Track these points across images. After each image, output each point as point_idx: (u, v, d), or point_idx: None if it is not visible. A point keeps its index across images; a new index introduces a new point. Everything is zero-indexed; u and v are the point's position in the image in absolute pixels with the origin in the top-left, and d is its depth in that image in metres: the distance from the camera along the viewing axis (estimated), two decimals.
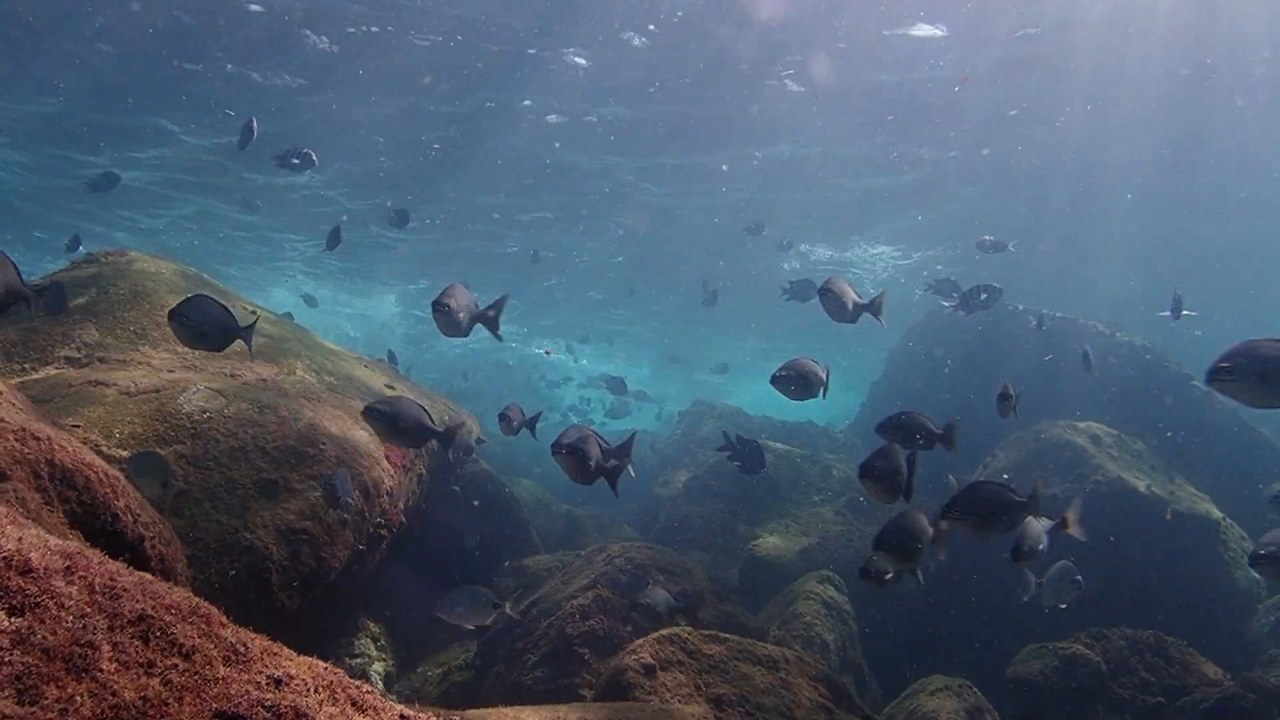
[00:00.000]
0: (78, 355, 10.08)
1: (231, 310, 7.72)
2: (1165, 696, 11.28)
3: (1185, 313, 14.60)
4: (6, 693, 1.94)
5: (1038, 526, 8.48)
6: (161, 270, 12.32)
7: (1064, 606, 10.68)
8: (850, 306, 8.93)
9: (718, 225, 30.17)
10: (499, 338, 8.89)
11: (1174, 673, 11.54)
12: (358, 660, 10.82)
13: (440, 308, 7.84)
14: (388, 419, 7.94)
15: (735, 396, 49.72)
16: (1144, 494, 14.80)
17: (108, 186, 18.22)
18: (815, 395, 8.45)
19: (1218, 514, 15.17)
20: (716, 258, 34.34)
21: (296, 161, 15.42)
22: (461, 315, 7.96)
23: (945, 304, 16.99)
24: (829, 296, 8.80)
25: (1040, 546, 8.26)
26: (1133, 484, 14.96)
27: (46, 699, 1.96)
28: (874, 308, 9.06)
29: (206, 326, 7.48)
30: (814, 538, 16.72)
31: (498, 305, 8.42)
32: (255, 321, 8.96)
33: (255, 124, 13.40)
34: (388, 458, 10.22)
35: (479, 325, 8.40)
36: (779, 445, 20.41)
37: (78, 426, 8.00)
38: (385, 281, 45.80)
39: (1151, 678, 11.50)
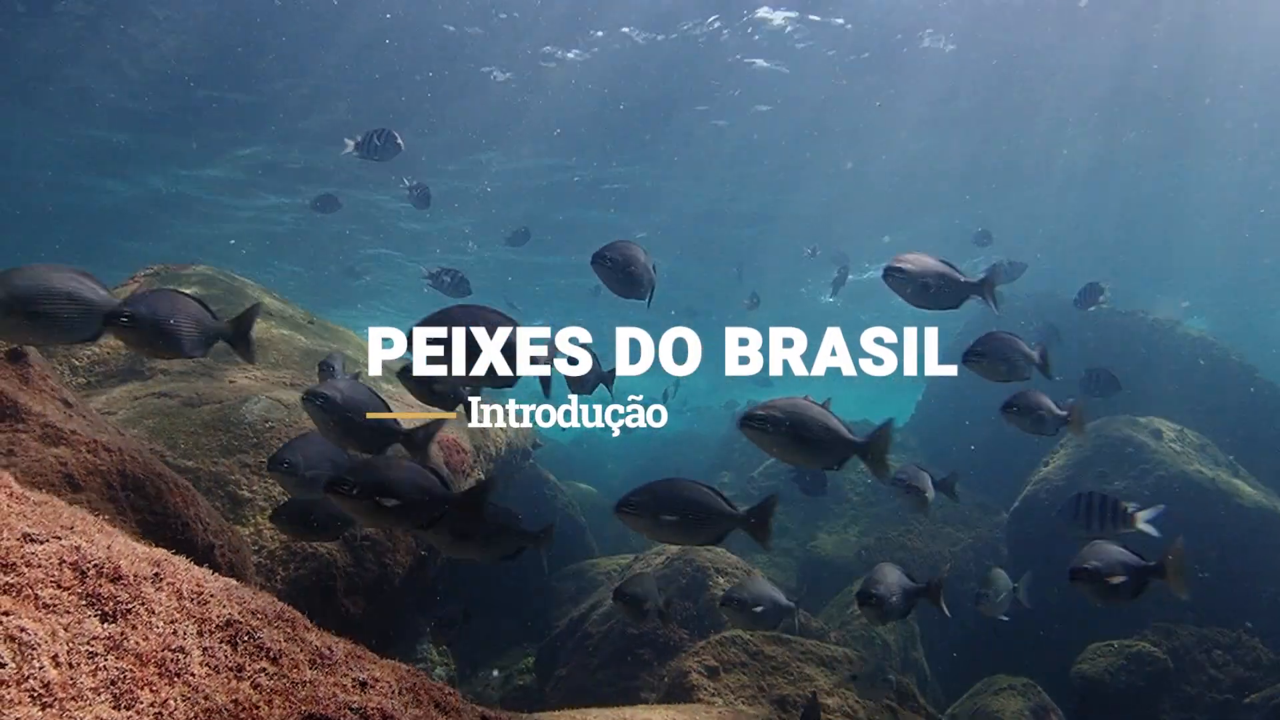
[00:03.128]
0: (140, 368, 10.26)
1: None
2: (1233, 693, 11.08)
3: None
4: (103, 697, 1.98)
5: (894, 576, 7.45)
6: (190, 274, 12.52)
7: (1005, 618, 9.85)
8: (645, 282, 6.50)
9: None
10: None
11: (1243, 669, 11.33)
12: (421, 664, 10.90)
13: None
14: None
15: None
16: (1208, 487, 14.51)
17: (329, 208, 18.72)
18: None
19: None
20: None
21: (416, 190, 16.52)
22: (174, 319, 5.18)
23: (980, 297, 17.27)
24: (609, 265, 6.29)
25: (893, 598, 7.13)
26: (1196, 477, 14.68)
27: (142, 703, 2.00)
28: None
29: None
30: (871, 537, 16.63)
31: (248, 316, 5.67)
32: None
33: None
34: (447, 463, 10.29)
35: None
36: None
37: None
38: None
39: (1219, 674, 11.31)
